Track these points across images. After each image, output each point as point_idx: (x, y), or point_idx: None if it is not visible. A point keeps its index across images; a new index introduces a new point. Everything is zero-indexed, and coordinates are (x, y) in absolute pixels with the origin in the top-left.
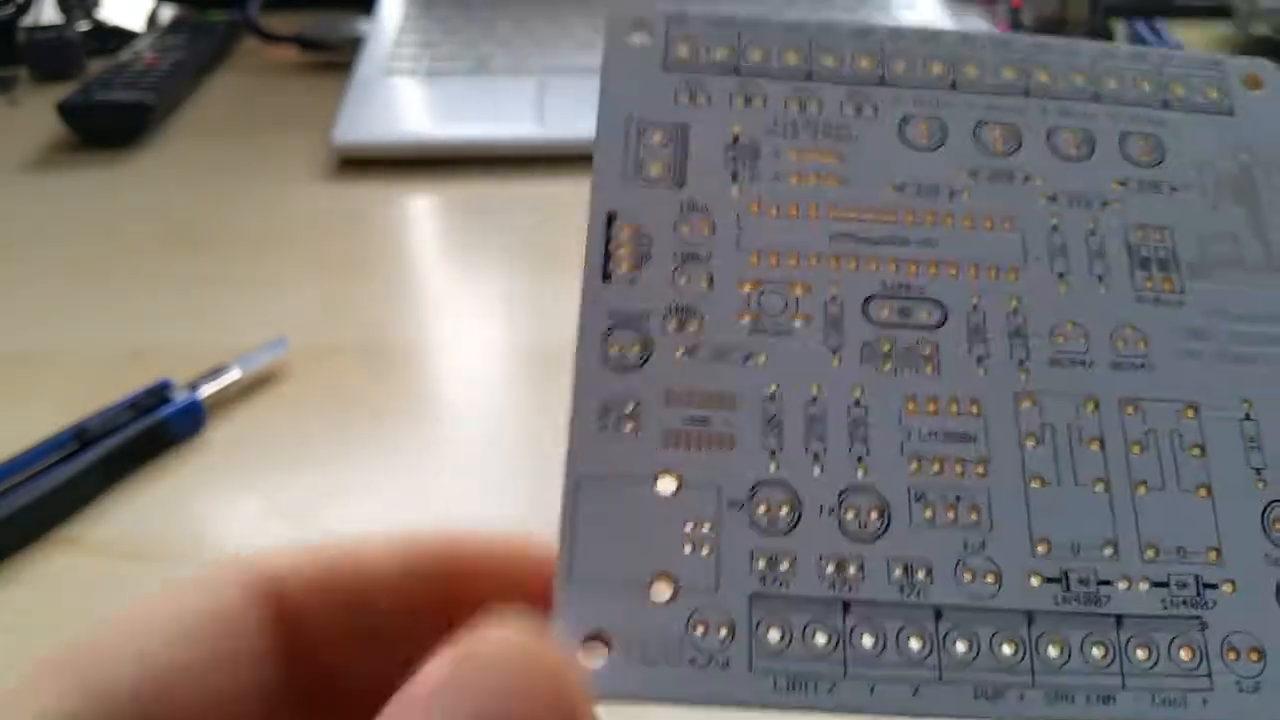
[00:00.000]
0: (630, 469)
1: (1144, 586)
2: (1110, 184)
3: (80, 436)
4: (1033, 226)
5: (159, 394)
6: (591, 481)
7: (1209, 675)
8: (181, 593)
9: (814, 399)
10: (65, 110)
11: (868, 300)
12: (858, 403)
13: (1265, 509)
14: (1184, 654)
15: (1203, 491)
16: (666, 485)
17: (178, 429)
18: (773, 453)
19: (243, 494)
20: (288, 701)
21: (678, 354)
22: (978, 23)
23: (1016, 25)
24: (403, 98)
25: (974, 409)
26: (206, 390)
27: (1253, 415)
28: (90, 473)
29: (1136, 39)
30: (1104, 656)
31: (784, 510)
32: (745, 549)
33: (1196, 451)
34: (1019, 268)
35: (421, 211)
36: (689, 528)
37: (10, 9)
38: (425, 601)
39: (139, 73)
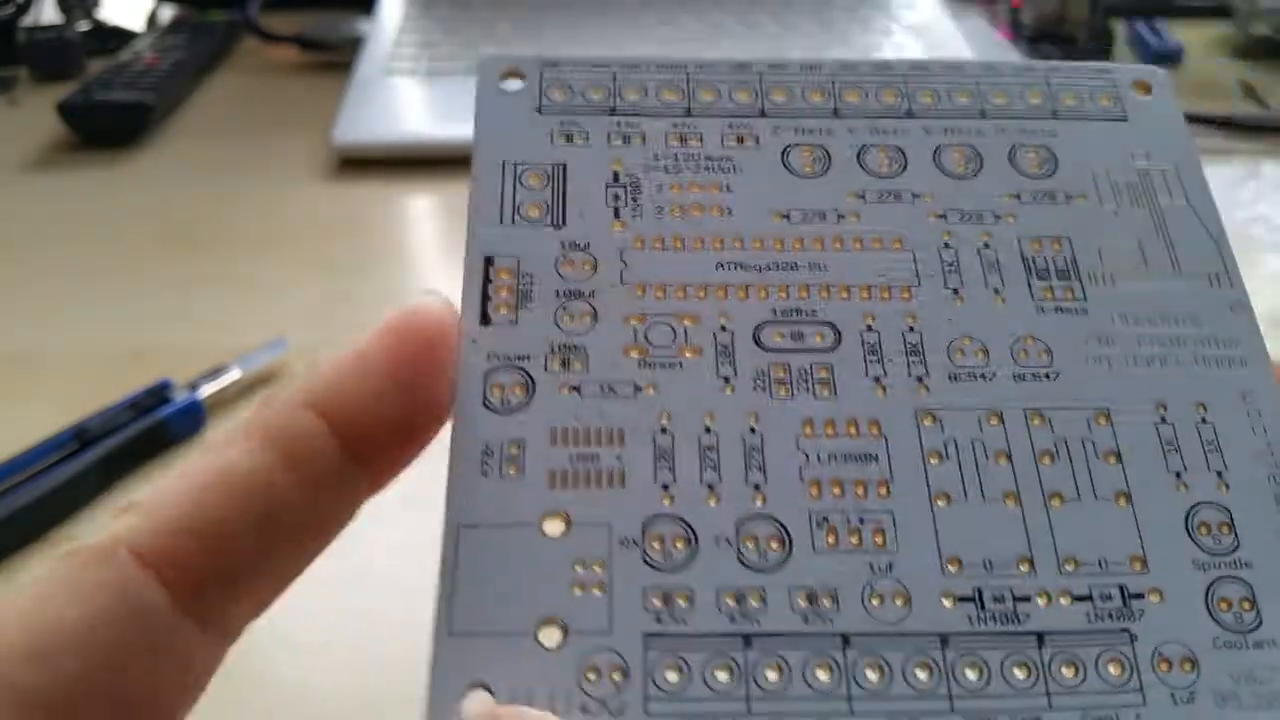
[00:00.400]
0: (513, 514)
1: (1065, 601)
2: (1002, 198)
3: (80, 436)
4: (924, 244)
5: (159, 394)
6: (472, 530)
7: (1140, 690)
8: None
9: (707, 429)
10: (65, 110)
11: (759, 327)
12: (752, 430)
13: (1189, 513)
14: (1113, 669)
15: (1122, 500)
16: (553, 527)
17: (178, 429)
18: (665, 487)
19: None
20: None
21: (562, 392)
22: (978, 23)
23: (1016, 25)
24: (403, 98)
25: (874, 429)
26: (206, 390)
27: (1168, 418)
28: (90, 473)
29: (1137, 39)
30: (1027, 676)
31: (678, 545)
32: (638, 588)
33: (1112, 459)
34: (912, 286)
35: (421, 211)
36: (578, 570)
37: (10, 9)
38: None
39: (139, 73)
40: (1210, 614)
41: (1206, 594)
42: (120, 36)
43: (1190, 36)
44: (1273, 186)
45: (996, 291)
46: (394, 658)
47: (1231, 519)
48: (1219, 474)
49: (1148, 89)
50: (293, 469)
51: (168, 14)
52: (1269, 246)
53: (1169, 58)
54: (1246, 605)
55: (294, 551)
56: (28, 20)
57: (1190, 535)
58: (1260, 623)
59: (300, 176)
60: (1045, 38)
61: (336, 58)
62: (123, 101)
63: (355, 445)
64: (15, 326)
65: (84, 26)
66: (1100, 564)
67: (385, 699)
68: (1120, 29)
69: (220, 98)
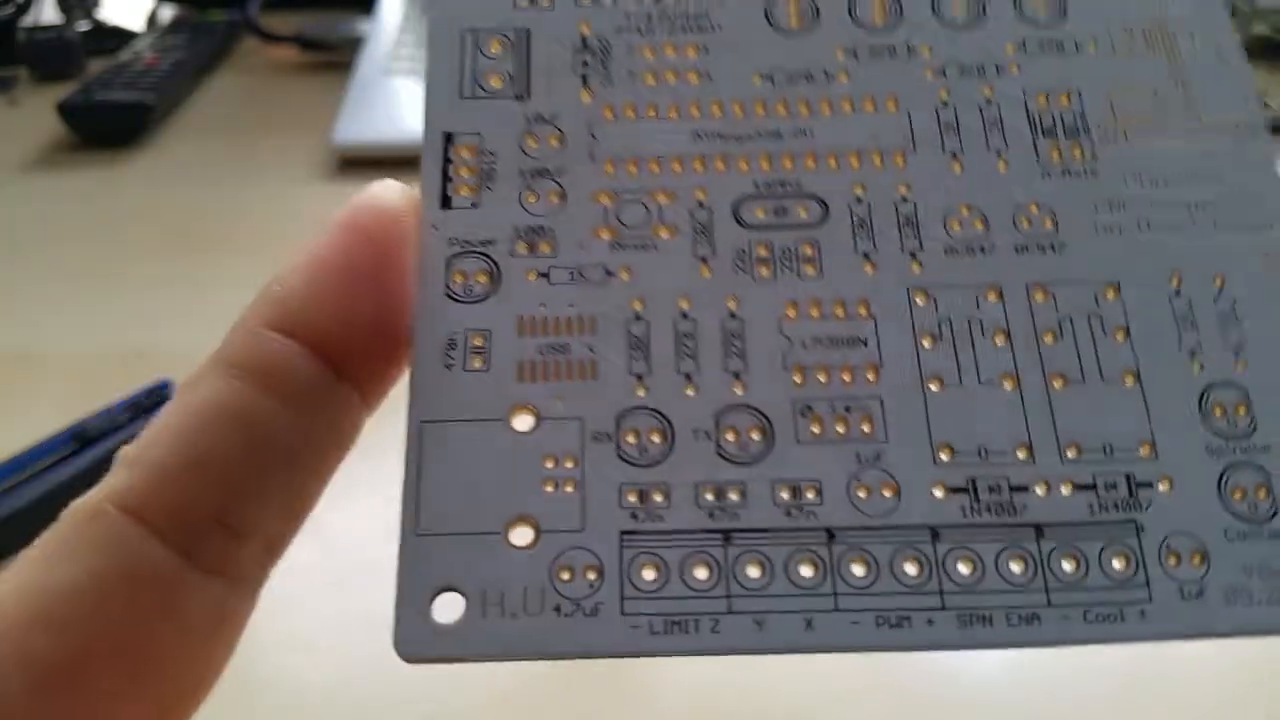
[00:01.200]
0: (479, 408)
1: (1066, 490)
2: (1005, 48)
3: (80, 436)
4: (920, 104)
5: (159, 394)
6: (436, 426)
7: (1147, 584)
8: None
9: (684, 315)
10: (65, 110)
11: (739, 202)
12: (733, 315)
13: (1203, 394)
14: (1117, 563)
15: (1130, 379)
16: (522, 422)
17: None
18: (640, 377)
19: None
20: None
21: (529, 279)
22: None
23: None
24: (403, 98)
25: (862, 310)
26: None
27: (1183, 290)
28: (90, 473)
29: None
30: (1024, 571)
31: (655, 438)
32: (614, 483)
33: (1121, 335)
34: (906, 151)
35: None
36: (549, 465)
37: (10, 9)
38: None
39: (139, 73)
40: (1223, 503)
41: (1220, 481)
42: (120, 36)
43: None
44: None
45: (999, 154)
46: (394, 658)
47: (1249, 399)
48: (1236, 351)
49: None
50: (269, 392)
51: (168, 14)
52: None
53: None
54: (1263, 493)
55: (293, 480)
56: (28, 20)
57: (1204, 418)
58: (1277, 511)
59: (300, 176)
60: None
61: (336, 58)
62: (123, 101)
63: (332, 356)
64: (15, 326)
65: (84, 26)
66: (1105, 450)
67: (385, 699)
68: None
69: (220, 98)
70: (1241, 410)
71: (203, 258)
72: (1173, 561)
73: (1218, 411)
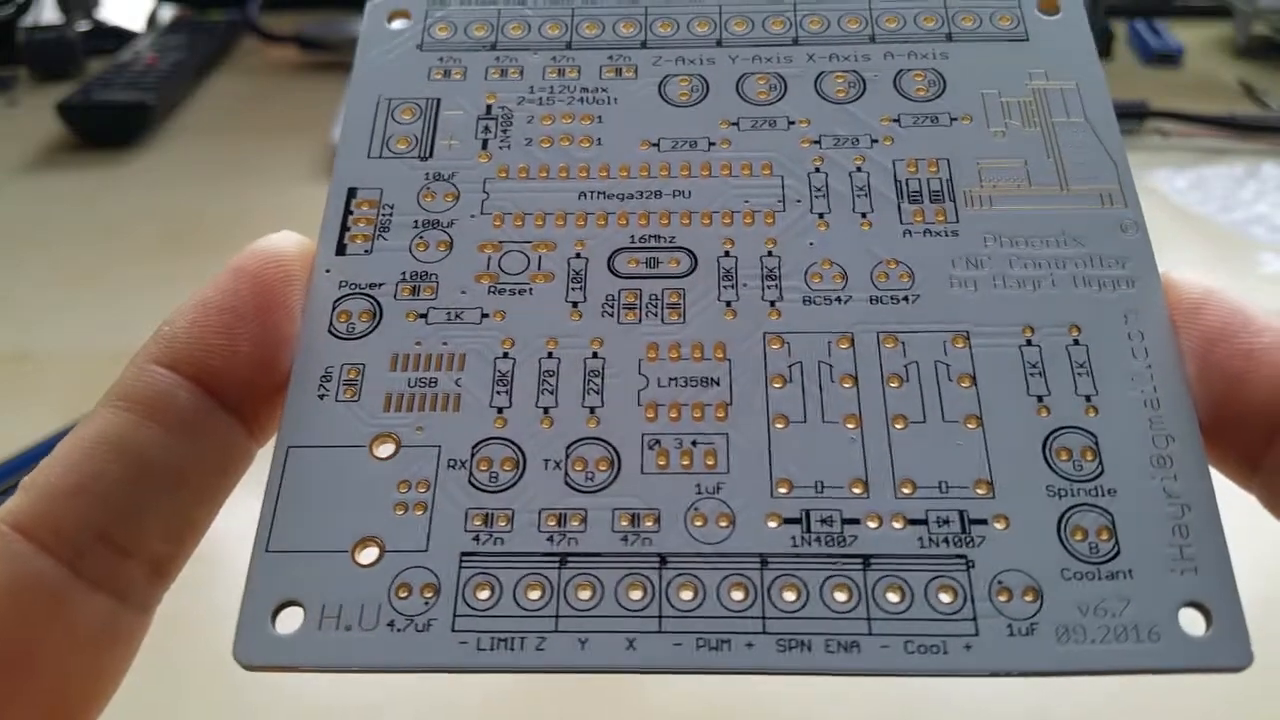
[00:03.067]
0: (344, 436)
1: (898, 525)
2: (880, 121)
3: None
4: (793, 170)
5: None
6: (301, 451)
7: (974, 619)
8: None
9: (549, 354)
10: (65, 110)
11: (614, 253)
12: (595, 355)
13: (1048, 438)
14: (945, 596)
15: (972, 422)
16: (383, 450)
17: None
18: (500, 410)
19: (241, 492)
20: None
21: (408, 319)
22: None
23: None
24: None
25: (719, 353)
26: None
27: (1034, 340)
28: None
29: (1137, 39)
30: (848, 600)
31: (506, 467)
32: (461, 508)
33: (966, 382)
34: (776, 212)
35: None
36: (402, 490)
37: (10, 9)
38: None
39: (139, 73)
40: (1062, 543)
41: (1060, 522)
42: (120, 36)
43: (1190, 36)
44: (1273, 186)
45: (864, 215)
46: None
47: (1097, 444)
48: (1087, 398)
49: (1055, 8)
50: (151, 421)
51: (168, 14)
52: (1269, 246)
53: (1169, 58)
54: (1105, 534)
55: (175, 503)
56: (28, 20)
57: (1047, 460)
58: (1118, 553)
59: (300, 176)
60: None
61: (336, 58)
62: (122, 101)
63: (214, 389)
64: (15, 326)
65: (84, 26)
66: (940, 487)
67: (385, 699)
68: (1121, 29)
69: (220, 98)
70: (1089, 455)
71: (203, 258)
72: (1003, 598)
73: (1063, 455)
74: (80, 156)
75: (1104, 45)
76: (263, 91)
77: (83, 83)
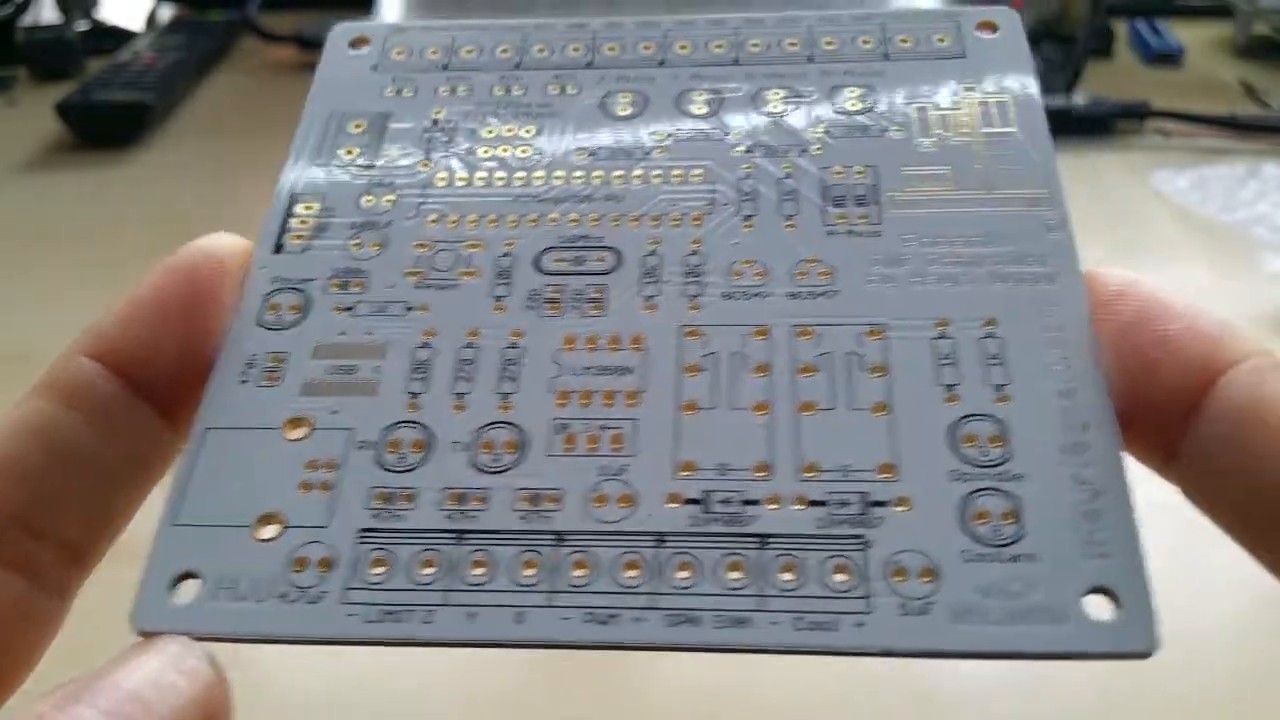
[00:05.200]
0: (259, 418)
1: (799, 507)
2: (813, 132)
3: None
4: (724, 178)
5: None
6: (217, 432)
7: (867, 597)
8: None
9: (469, 345)
10: (64, 110)
11: (542, 252)
12: (514, 345)
13: (955, 424)
14: (839, 575)
15: (880, 410)
16: (296, 431)
17: None
18: (414, 395)
19: None
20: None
21: (335, 312)
22: None
23: None
24: None
25: (635, 345)
26: None
27: (949, 333)
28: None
29: (1137, 38)
30: (741, 577)
31: (414, 449)
32: (365, 487)
33: (879, 372)
34: (704, 215)
35: None
36: (309, 471)
37: (9, 8)
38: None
39: (138, 72)
40: (963, 526)
41: (962, 505)
42: (119, 36)
43: (1190, 36)
44: (1273, 186)
45: (789, 218)
46: (394, 658)
47: (1006, 431)
48: (998, 387)
49: (994, 28)
50: (71, 408)
51: (167, 13)
52: (1269, 246)
53: (1170, 57)
54: (1009, 518)
55: (93, 489)
56: (27, 20)
57: (953, 447)
58: (1022, 536)
59: None
60: (1046, 37)
61: None
62: (122, 101)
63: (138, 383)
64: (14, 326)
65: (83, 26)
66: (843, 471)
67: (384, 699)
68: (1121, 28)
69: (220, 97)
70: (997, 442)
71: None
72: (899, 578)
73: (969, 441)
74: (79, 156)
75: (1104, 45)
76: (262, 91)
77: (82, 82)
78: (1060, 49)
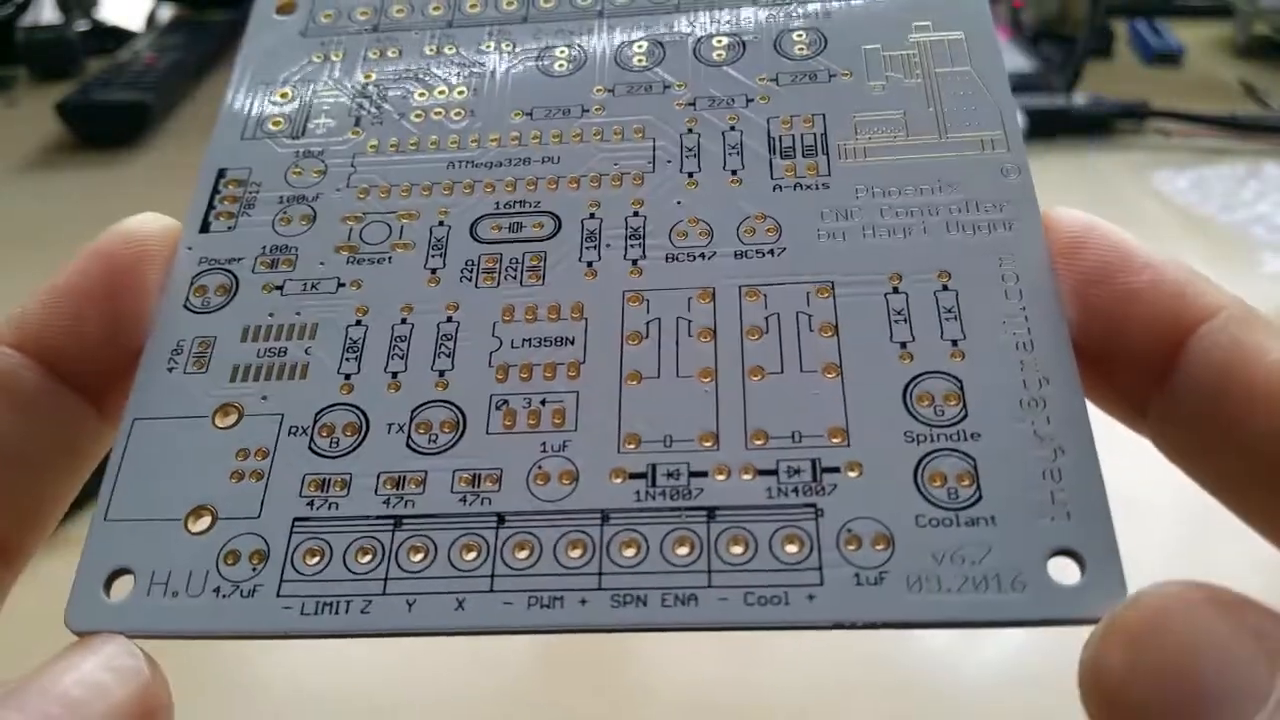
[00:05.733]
0: (187, 407)
1: (748, 476)
2: (757, 81)
3: None
4: (666, 133)
5: None
6: (145, 423)
7: (819, 569)
8: None
9: (403, 320)
10: (64, 110)
11: (477, 220)
12: (449, 319)
13: (909, 384)
14: (790, 547)
15: (830, 372)
16: (225, 420)
17: None
18: (347, 376)
19: None
20: None
21: (263, 291)
22: None
23: (1017, 25)
24: None
25: (575, 313)
26: None
27: (901, 288)
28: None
29: (1137, 38)
30: (689, 554)
31: (348, 433)
32: (298, 474)
33: (828, 331)
34: (646, 174)
35: None
36: (240, 459)
37: (9, 8)
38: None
39: (138, 72)
40: (919, 489)
41: (917, 468)
42: (119, 36)
43: (1190, 36)
44: (1273, 186)
45: (734, 173)
46: (391, 660)
47: (962, 390)
48: (954, 342)
49: None
50: None
51: (166, 13)
52: (1269, 246)
53: (1170, 57)
54: (965, 480)
55: (18, 481)
56: (27, 20)
57: (907, 407)
58: (979, 498)
59: None
60: (1046, 37)
61: None
62: (121, 101)
63: (60, 369)
64: None
65: (83, 26)
66: (794, 437)
67: (385, 699)
68: (1121, 28)
69: (219, 97)
70: (952, 400)
71: None
72: (852, 546)
73: (923, 401)
74: (79, 156)
75: (1104, 45)
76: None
77: (82, 82)
78: (1060, 49)
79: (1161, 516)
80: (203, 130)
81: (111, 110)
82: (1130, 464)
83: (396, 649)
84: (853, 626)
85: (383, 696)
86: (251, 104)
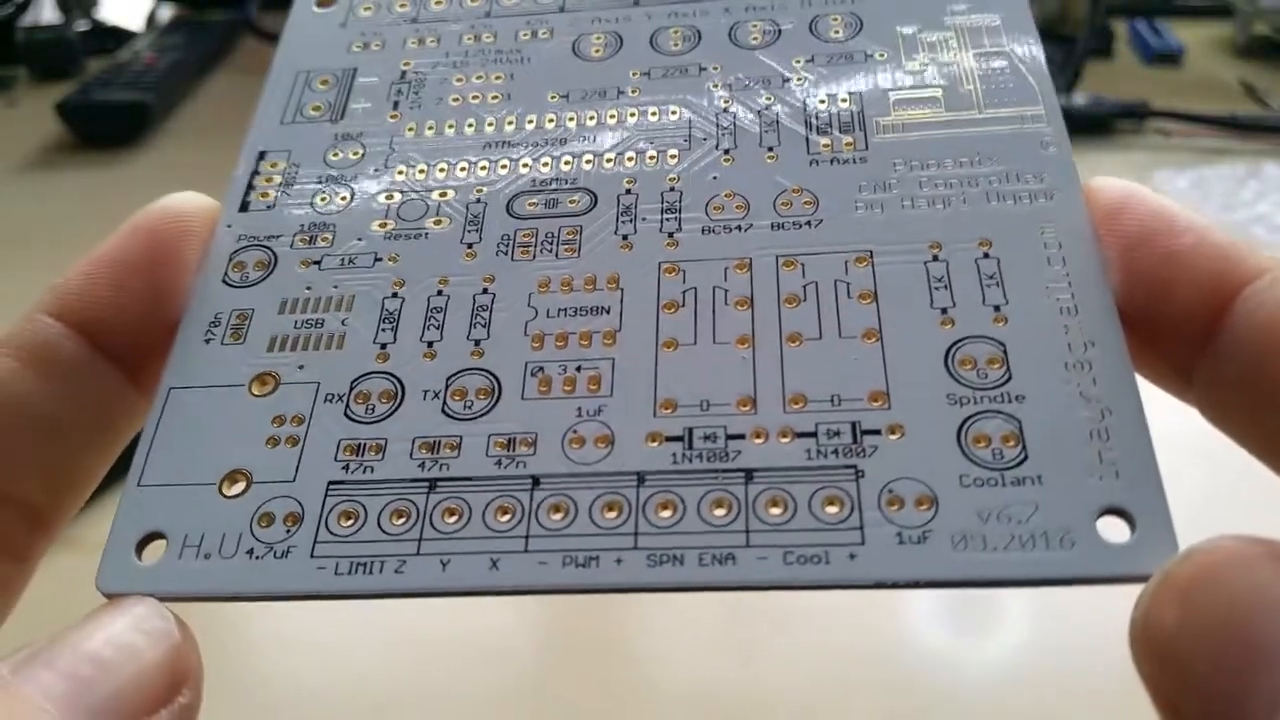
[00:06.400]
0: (225, 376)
1: (785, 439)
2: (794, 62)
3: None
4: (702, 111)
5: None
6: (181, 392)
7: (860, 528)
8: None
9: (439, 292)
10: (64, 110)
11: (514, 197)
12: (485, 291)
13: (950, 348)
14: (831, 508)
15: (870, 338)
16: (262, 388)
17: None
18: (384, 346)
19: None
20: None
21: (301, 266)
22: None
23: None
24: None
25: (611, 284)
26: None
27: (941, 256)
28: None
29: (1137, 38)
30: (726, 514)
31: (384, 400)
32: (334, 439)
33: (867, 299)
34: (682, 151)
35: None
36: (276, 425)
37: (9, 8)
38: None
39: (138, 72)
40: (962, 450)
41: (960, 430)
42: (119, 36)
43: (1190, 36)
44: (1273, 186)
45: (770, 149)
46: (394, 658)
47: (1006, 353)
48: (996, 308)
49: None
50: (32, 368)
51: (166, 13)
52: (1269, 246)
53: (1170, 57)
54: (1010, 441)
55: (55, 450)
56: (27, 20)
57: (949, 370)
58: (1025, 458)
59: None
60: (1046, 37)
61: None
62: (121, 101)
63: (100, 340)
64: None
65: (83, 26)
66: (833, 400)
67: (385, 699)
68: (1121, 28)
69: (219, 97)
70: (996, 364)
71: None
72: (894, 507)
73: (965, 364)
74: (79, 156)
75: (1104, 45)
76: (261, 91)
77: (82, 82)
78: (1060, 49)
79: (1201, 483)
80: (203, 130)
81: (111, 110)
82: (1169, 430)
83: (397, 648)
84: (895, 586)
85: (385, 694)
86: (291, 91)
